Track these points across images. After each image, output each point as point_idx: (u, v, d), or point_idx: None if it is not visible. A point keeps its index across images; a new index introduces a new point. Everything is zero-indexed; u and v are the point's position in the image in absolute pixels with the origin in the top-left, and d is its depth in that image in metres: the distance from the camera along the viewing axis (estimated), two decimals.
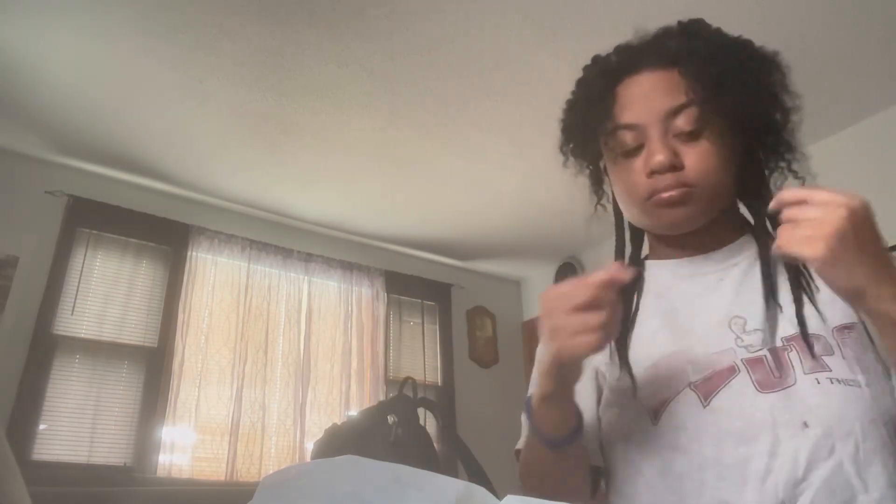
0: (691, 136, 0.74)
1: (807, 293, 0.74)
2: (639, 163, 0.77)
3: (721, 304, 0.77)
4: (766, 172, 0.81)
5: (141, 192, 3.51)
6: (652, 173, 0.75)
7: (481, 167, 3.35)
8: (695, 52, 0.75)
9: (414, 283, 4.33)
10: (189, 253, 3.49)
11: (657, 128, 0.75)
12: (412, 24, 2.39)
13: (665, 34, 0.81)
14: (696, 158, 0.74)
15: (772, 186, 0.82)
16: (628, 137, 0.78)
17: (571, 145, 0.87)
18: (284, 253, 3.82)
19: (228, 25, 2.40)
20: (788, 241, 0.60)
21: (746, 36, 0.81)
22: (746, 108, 0.75)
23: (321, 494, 0.42)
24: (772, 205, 0.63)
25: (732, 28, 0.82)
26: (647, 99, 0.77)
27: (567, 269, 4.38)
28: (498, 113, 2.90)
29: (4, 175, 3.17)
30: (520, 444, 0.82)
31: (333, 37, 2.45)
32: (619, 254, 0.87)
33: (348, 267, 4.04)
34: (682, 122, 0.74)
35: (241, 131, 3.06)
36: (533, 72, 2.61)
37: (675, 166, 0.74)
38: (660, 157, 0.74)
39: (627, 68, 0.80)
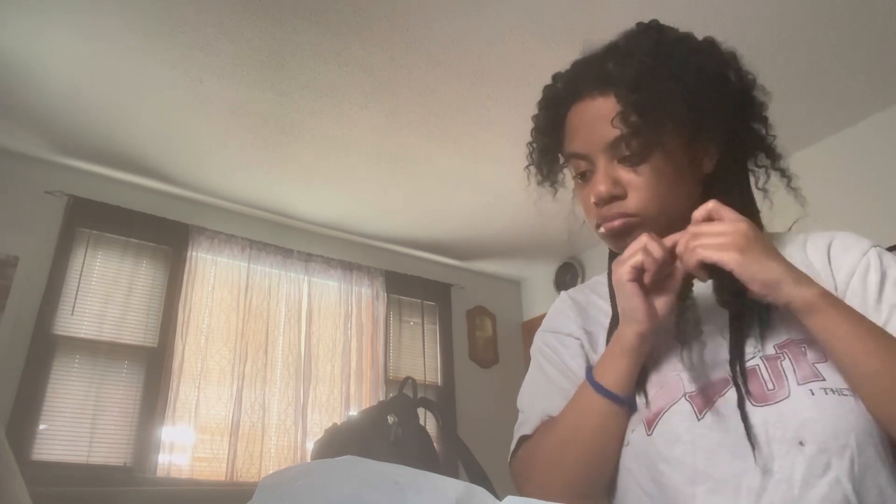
0: (635, 162, 0.74)
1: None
2: (589, 189, 0.78)
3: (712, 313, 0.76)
4: (744, 175, 0.80)
5: (141, 192, 3.51)
6: (595, 204, 0.76)
7: (481, 167, 3.35)
8: (629, 75, 0.73)
9: (414, 283, 4.33)
10: (189, 253, 3.49)
11: (601, 157, 0.76)
12: (412, 24, 2.39)
13: (606, 53, 0.79)
14: (638, 187, 0.74)
15: (757, 187, 0.81)
16: (581, 164, 0.79)
17: (541, 167, 0.88)
18: (284, 253, 3.82)
19: (228, 25, 2.40)
20: (703, 251, 0.65)
21: (742, 38, 0.79)
22: (696, 122, 0.73)
23: (320, 495, 0.42)
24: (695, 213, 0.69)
25: (725, 33, 0.79)
26: (589, 129, 0.77)
27: (567, 269, 4.38)
28: (498, 113, 2.90)
29: (4, 175, 3.17)
30: (526, 431, 0.81)
31: (333, 37, 2.45)
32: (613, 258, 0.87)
33: (348, 267, 4.03)
34: (624, 150, 0.74)
35: (241, 131, 3.06)
36: (533, 72, 2.61)
37: (615, 196, 0.74)
38: (599, 189, 0.75)
39: (572, 96, 0.80)
